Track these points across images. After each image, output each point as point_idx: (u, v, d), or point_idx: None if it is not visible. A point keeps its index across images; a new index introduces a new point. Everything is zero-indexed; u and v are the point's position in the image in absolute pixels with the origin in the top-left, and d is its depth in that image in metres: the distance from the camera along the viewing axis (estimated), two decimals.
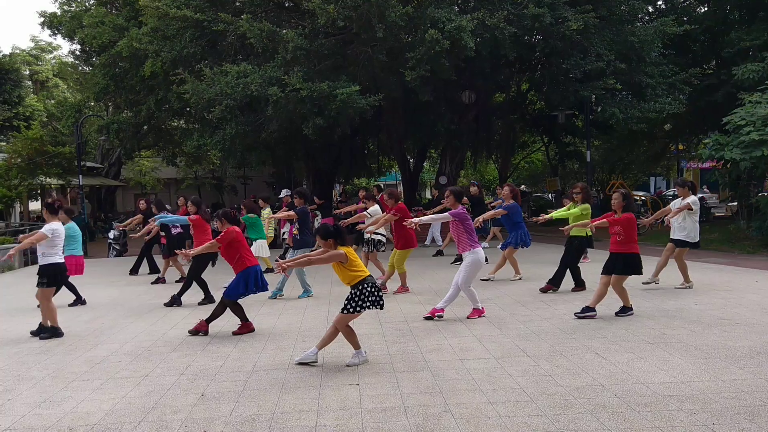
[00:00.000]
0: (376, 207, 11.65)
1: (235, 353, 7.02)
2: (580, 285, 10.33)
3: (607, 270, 8.28)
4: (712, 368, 5.79)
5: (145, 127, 26.58)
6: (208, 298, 10.45)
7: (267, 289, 8.34)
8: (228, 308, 8.07)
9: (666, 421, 4.59)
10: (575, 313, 8.27)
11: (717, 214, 26.17)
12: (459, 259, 15.16)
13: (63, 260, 8.53)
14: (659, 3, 24.33)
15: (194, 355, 7.03)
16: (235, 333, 8.01)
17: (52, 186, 31.84)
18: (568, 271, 10.39)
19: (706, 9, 24.74)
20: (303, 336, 7.74)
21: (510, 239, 11.79)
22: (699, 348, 6.49)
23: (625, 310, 8.27)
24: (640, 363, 6.03)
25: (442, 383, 5.65)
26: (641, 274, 8.40)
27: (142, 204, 14.65)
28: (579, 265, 10.57)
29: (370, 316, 8.71)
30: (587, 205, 10.38)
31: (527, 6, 17.44)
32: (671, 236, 10.39)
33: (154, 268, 14.72)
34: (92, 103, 30.56)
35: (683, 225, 10.21)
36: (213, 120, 18.76)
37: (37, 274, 8.32)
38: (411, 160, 30.34)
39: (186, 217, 10.84)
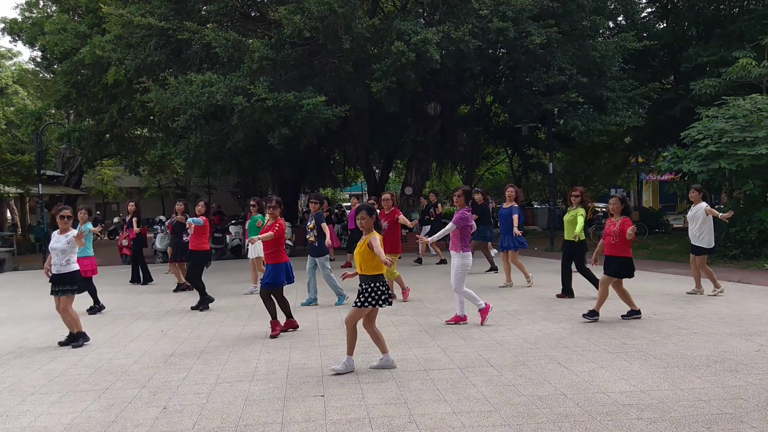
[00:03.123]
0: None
1: (198, 365, 6.95)
2: (566, 293, 10.56)
3: (608, 272, 8.60)
4: (671, 377, 5.91)
5: (108, 135, 26.25)
6: (203, 303, 10.67)
7: (293, 282, 8.60)
8: (264, 302, 8.40)
9: (626, 430, 4.67)
10: (583, 314, 8.64)
11: (675, 226, 26.72)
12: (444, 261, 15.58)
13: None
14: (620, 19, 24.86)
15: (156, 367, 6.94)
16: (272, 336, 8.25)
17: (11, 195, 31.16)
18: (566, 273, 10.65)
19: (664, 25, 25.37)
20: (267, 347, 7.69)
21: (508, 243, 11.99)
22: (658, 357, 6.61)
23: (632, 313, 8.64)
24: (601, 372, 6.13)
25: (406, 394, 5.67)
26: (632, 277, 8.66)
27: (131, 206, 14.47)
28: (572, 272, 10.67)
29: (336, 327, 8.72)
30: (581, 209, 10.42)
31: (492, 20, 17.67)
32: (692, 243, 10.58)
33: (136, 277, 14.68)
34: (53, 111, 30.06)
35: (698, 234, 10.42)
36: (177, 129, 18.62)
37: (60, 282, 8.12)
38: (377, 171, 30.43)
39: (202, 219, 10.83)
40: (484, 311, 8.58)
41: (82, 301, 11.32)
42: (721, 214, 10.41)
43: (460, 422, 4.93)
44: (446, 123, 24.05)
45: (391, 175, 35.94)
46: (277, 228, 8.37)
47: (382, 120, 22.32)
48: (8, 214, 35.84)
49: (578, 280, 10.53)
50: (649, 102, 21.32)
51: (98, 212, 41.40)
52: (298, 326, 8.67)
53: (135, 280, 14.72)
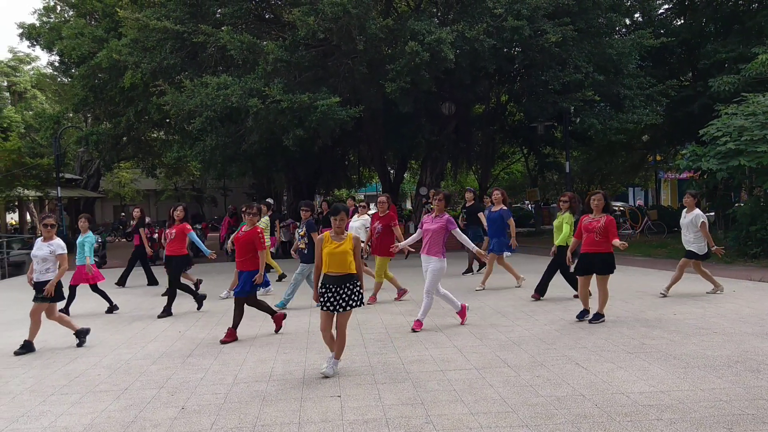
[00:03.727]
0: (366, 217, 11.88)
1: (215, 366, 6.98)
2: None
3: (585, 271, 8.59)
4: (691, 377, 5.85)
5: (125, 138, 26.46)
6: (197, 298, 10.92)
7: (269, 286, 8.68)
8: (254, 306, 8.55)
9: (646, 431, 4.62)
10: (589, 320, 8.54)
11: None
12: (470, 269, 14.77)
13: None
14: (636, 16, 24.66)
15: (174, 368, 6.98)
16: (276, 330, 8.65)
17: (30, 198, 31.52)
18: (553, 278, 10.61)
19: (682, 22, 25.15)
20: (284, 348, 7.70)
21: (492, 246, 11.89)
22: (678, 357, 6.55)
23: (598, 317, 8.55)
24: (620, 373, 6.08)
25: (423, 394, 5.65)
26: (612, 272, 8.66)
27: (137, 212, 14.57)
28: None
29: (351, 327, 8.69)
30: (568, 215, 10.45)
31: (506, 19, 17.59)
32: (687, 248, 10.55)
33: (152, 280, 14.70)
34: (71, 115, 30.35)
35: (693, 240, 10.44)
36: (193, 131, 18.69)
37: (40, 289, 8.12)
38: (391, 171, 30.40)
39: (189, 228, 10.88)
40: (418, 324, 8.51)
41: (96, 303, 11.44)
42: (715, 247, 10.40)
43: (478, 423, 4.91)
44: (461, 122, 23.98)
45: (405, 175, 35.93)
46: (261, 237, 8.45)
47: (396, 120, 22.30)
48: (27, 217, 36.25)
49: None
50: (667, 99, 21.14)
51: (122, 214, 41.81)
52: (285, 315, 8.90)
53: (151, 282, 14.79)
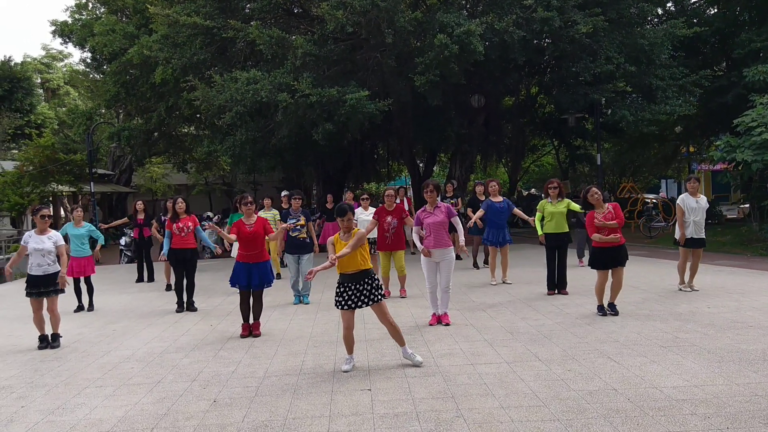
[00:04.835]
0: (371, 209, 11.84)
1: (246, 359, 7.04)
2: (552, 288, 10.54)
3: (606, 265, 8.53)
4: (726, 372, 5.75)
5: (156, 133, 26.77)
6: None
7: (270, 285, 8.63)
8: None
9: (680, 426, 4.56)
10: (612, 313, 8.51)
11: (729, 217, 26.00)
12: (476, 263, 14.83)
13: None
14: (669, 5, 24.22)
15: (206, 361, 7.05)
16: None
17: (64, 193, 32.08)
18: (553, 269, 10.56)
19: (715, 11, 24.64)
20: (314, 341, 7.74)
21: (498, 238, 11.70)
22: (712, 351, 6.44)
23: (601, 309, 8.64)
24: (653, 367, 6.00)
25: (454, 388, 5.64)
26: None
27: (140, 205, 14.63)
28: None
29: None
30: (569, 201, 10.48)
31: (536, 10, 17.40)
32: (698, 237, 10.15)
33: (148, 277, 14.79)
34: (103, 111, 30.82)
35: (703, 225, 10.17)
36: (223, 126, 18.82)
37: (49, 282, 8.20)
38: (421, 165, 30.31)
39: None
40: (446, 317, 8.46)
41: (129, 298, 11.60)
42: None
43: (509, 417, 4.88)
44: (491, 115, 23.82)
45: (435, 168, 35.79)
46: (269, 225, 8.54)
47: (425, 113, 22.21)
48: (62, 212, 36.88)
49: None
50: (701, 90, 20.74)
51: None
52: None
53: (140, 279, 14.74)
